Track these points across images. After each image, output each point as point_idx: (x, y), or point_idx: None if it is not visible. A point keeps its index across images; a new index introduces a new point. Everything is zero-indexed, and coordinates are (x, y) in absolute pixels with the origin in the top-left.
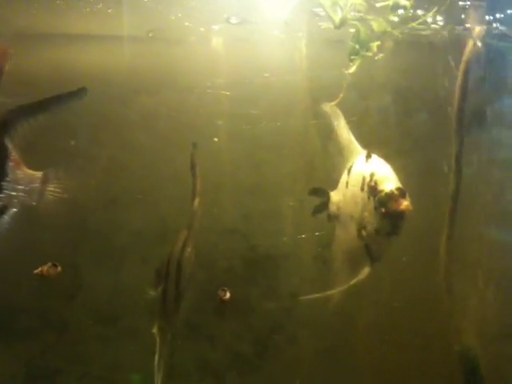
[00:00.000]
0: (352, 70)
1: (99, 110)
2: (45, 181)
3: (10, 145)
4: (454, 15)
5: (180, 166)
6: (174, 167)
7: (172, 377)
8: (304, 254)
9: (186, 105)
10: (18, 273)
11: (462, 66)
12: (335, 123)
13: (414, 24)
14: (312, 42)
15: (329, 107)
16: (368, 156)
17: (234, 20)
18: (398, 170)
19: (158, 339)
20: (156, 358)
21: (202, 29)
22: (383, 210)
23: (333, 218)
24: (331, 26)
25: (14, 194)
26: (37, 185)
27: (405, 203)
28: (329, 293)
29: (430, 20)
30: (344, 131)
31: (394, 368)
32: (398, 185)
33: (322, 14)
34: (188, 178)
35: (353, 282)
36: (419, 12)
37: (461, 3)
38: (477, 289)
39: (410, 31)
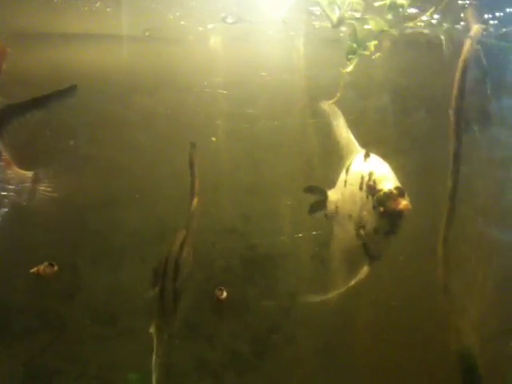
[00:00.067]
0: (349, 68)
1: (97, 109)
2: (35, 180)
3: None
4: (451, 14)
5: (178, 166)
6: (171, 167)
7: (170, 376)
8: (302, 253)
9: (184, 104)
10: (16, 273)
11: (459, 65)
12: (334, 122)
13: (411, 23)
14: (309, 41)
15: (327, 106)
16: (366, 155)
17: (230, 19)
18: (396, 169)
19: (155, 339)
20: (153, 357)
21: (200, 28)
22: (382, 209)
23: (330, 217)
24: (327, 24)
25: (4, 193)
26: (27, 184)
27: (404, 202)
28: (329, 295)
29: (427, 19)
30: (343, 130)
31: (392, 367)
32: (397, 184)
33: (318, 13)
34: (186, 177)
35: (352, 282)
36: (417, 11)
37: (459, 2)
38: (474, 288)
39: (407, 30)
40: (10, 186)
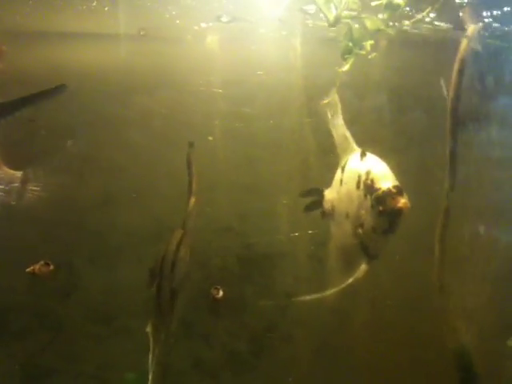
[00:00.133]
0: (345, 68)
1: (93, 108)
2: (25, 180)
3: None
4: (448, 13)
5: (175, 165)
6: (168, 166)
7: (167, 375)
8: (299, 252)
9: (180, 103)
10: (12, 272)
11: (456, 65)
12: (331, 120)
13: (408, 22)
14: (305, 40)
15: (327, 102)
16: (363, 154)
17: (225, 18)
18: (393, 169)
19: (152, 338)
20: (150, 357)
21: (195, 27)
22: (381, 208)
23: (327, 216)
24: (321, 23)
25: None
26: (16, 184)
27: (402, 201)
28: (327, 293)
29: (424, 18)
30: (339, 128)
31: (389, 366)
32: (395, 182)
33: (312, 11)
34: (183, 176)
35: (350, 280)
36: (414, 10)
37: (457, 1)
38: (471, 286)
39: (404, 30)
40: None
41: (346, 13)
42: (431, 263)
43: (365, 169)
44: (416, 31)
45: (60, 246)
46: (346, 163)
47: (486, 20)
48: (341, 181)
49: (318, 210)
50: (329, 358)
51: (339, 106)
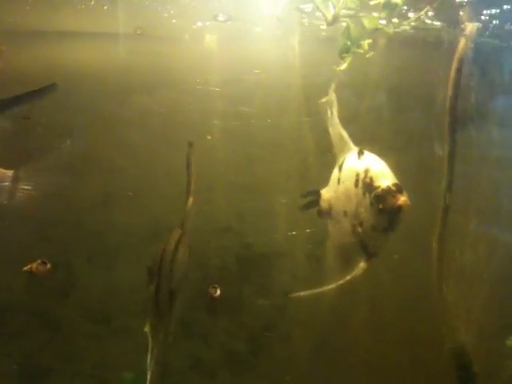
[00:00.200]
0: (343, 66)
1: (91, 107)
2: (15, 179)
3: None
4: (447, 12)
5: (173, 164)
6: (166, 165)
7: (165, 375)
8: (298, 251)
9: (178, 103)
10: (11, 272)
11: (454, 64)
12: (328, 119)
13: (406, 22)
14: (303, 39)
15: (329, 96)
16: (360, 152)
17: (221, 17)
18: (392, 167)
19: (150, 338)
20: (148, 356)
21: (193, 26)
22: (380, 206)
23: (324, 215)
24: (317, 22)
25: None
26: (7, 183)
27: (402, 198)
28: (324, 288)
29: (422, 17)
30: (336, 127)
31: (387, 365)
32: (394, 180)
33: (308, 10)
34: (181, 176)
35: (349, 277)
36: (411, 9)
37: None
38: (469, 286)
39: (402, 29)
40: None
41: (343, 12)
42: (430, 262)
43: (363, 167)
44: (414, 30)
45: (58, 245)
46: (343, 162)
47: (485, 19)
48: (338, 179)
49: (315, 209)
50: (327, 358)
51: (336, 104)
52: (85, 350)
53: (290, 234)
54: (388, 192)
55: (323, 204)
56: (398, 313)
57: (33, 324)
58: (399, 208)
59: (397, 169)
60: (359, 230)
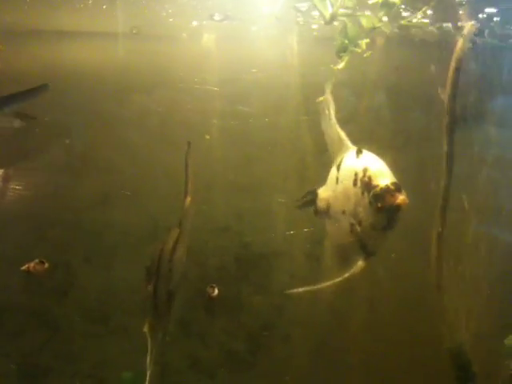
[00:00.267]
0: (340, 66)
1: (89, 106)
2: (6, 179)
3: None
4: (445, 12)
5: (171, 164)
6: (164, 165)
7: (164, 375)
8: (297, 251)
9: (176, 102)
10: (9, 272)
11: (452, 63)
12: (325, 118)
13: (404, 21)
14: (301, 39)
15: (326, 95)
16: (359, 151)
17: (217, 17)
18: (390, 167)
19: (149, 338)
20: (148, 356)
21: (191, 25)
22: (379, 204)
23: (322, 214)
24: (312, 21)
25: None
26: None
27: (401, 197)
28: (322, 285)
29: (421, 16)
30: (333, 126)
31: (386, 365)
32: (393, 179)
33: (304, 9)
34: (180, 175)
35: (348, 274)
36: (409, 8)
37: None
38: (468, 285)
39: (400, 28)
40: None
41: (341, 11)
42: (428, 262)
43: (362, 166)
44: (412, 29)
45: (57, 245)
46: (341, 161)
47: (484, 18)
48: (337, 179)
49: (313, 209)
50: (326, 357)
51: (332, 104)
52: (83, 349)
53: (288, 233)
54: (387, 191)
55: (321, 203)
56: (397, 312)
57: (31, 324)
58: (398, 207)
59: (395, 168)
60: (358, 229)
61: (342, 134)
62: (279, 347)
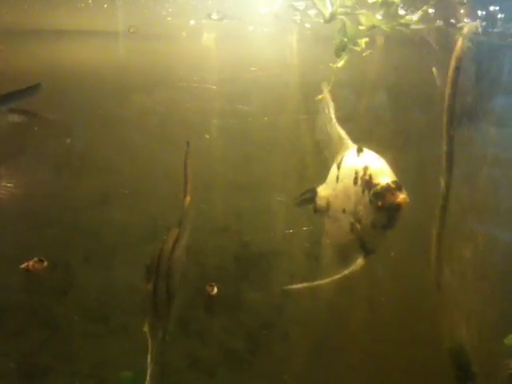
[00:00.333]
0: (339, 64)
1: (89, 106)
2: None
3: None
4: (445, 11)
5: (170, 163)
6: (163, 164)
7: (163, 374)
8: (296, 250)
9: (175, 101)
10: (8, 271)
11: (452, 63)
12: (325, 116)
13: (403, 20)
14: (300, 37)
15: (324, 93)
16: (359, 150)
17: (215, 16)
18: (390, 166)
19: (149, 337)
20: (148, 356)
21: (188, 24)
22: (380, 203)
23: (322, 213)
24: (309, 19)
25: None
26: None
27: (402, 196)
28: (320, 282)
29: (420, 15)
30: (333, 125)
31: (385, 364)
32: (394, 178)
33: (301, 8)
34: (179, 175)
35: (347, 271)
36: (407, 7)
37: None
38: (467, 284)
39: (400, 27)
40: None
41: (341, 9)
42: (428, 261)
43: (362, 165)
44: (412, 28)
45: (56, 244)
46: (341, 159)
47: (484, 17)
48: (337, 177)
49: (312, 207)
50: (325, 356)
51: (331, 102)
52: (83, 349)
53: (287, 232)
54: (387, 189)
55: (320, 201)
56: (397, 312)
57: (30, 323)
58: (398, 206)
59: (395, 167)
60: (357, 227)
61: (343, 133)
62: (278, 346)
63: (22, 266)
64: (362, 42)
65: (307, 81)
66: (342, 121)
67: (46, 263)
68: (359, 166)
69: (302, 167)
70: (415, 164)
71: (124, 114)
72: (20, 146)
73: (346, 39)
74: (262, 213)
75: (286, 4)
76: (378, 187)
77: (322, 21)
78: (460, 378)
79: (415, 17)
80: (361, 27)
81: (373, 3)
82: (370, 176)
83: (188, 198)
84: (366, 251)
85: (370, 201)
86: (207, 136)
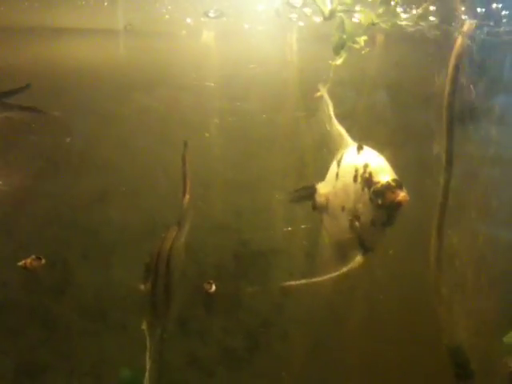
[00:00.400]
0: (338, 62)
1: (88, 104)
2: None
3: None
4: (444, 8)
5: (169, 161)
6: (163, 162)
7: (162, 372)
8: (295, 248)
9: (174, 99)
10: (6, 269)
11: (451, 61)
12: (324, 114)
13: (403, 17)
14: (300, 36)
15: (323, 91)
16: (359, 147)
17: (212, 14)
18: (390, 164)
19: (147, 335)
20: (147, 354)
21: (185, 23)
22: (380, 201)
23: (321, 210)
24: (305, 17)
25: None
26: None
27: (402, 194)
28: (320, 278)
29: (420, 13)
30: (333, 122)
31: (384, 363)
32: (394, 176)
33: (298, 5)
34: (178, 173)
35: (345, 269)
36: (406, 5)
37: None
38: (466, 283)
39: (399, 24)
40: None
41: (340, 7)
42: (427, 261)
43: (362, 162)
44: (412, 26)
45: (54, 242)
46: (341, 157)
47: (484, 14)
48: (337, 174)
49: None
50: (324, 355)
51: (329, 100)
52: (81, 347)
53: (287, 230)
54: (387, 187)
55: (320, 199)
56: (396, 310)
57: (29, 321)
58: (399, 204)
59: (395, 165)
60: (357, 225)
61: (342, 131)
62: (277, 345)
63: (20, 263)
64: (361, 39)
65: (306, 78)
66: (342, 118)
67: (43, 261)
68: (359, 163)
69: (302, 165)
70: (415, 162)
71: (123, 112)
72: (16, 143)
73: (344, 36)
74: (261, 211)
75: (284, 1)
76: (379, 185)
77: (320, 18)
78: (459, 376)
79: (415, 14)
80: (360, 24)
81: (372, 1)
82: (370, 174)
83: (187, 196)
84: (365, 249)
85: (370, 199)
86: (207, 134)
